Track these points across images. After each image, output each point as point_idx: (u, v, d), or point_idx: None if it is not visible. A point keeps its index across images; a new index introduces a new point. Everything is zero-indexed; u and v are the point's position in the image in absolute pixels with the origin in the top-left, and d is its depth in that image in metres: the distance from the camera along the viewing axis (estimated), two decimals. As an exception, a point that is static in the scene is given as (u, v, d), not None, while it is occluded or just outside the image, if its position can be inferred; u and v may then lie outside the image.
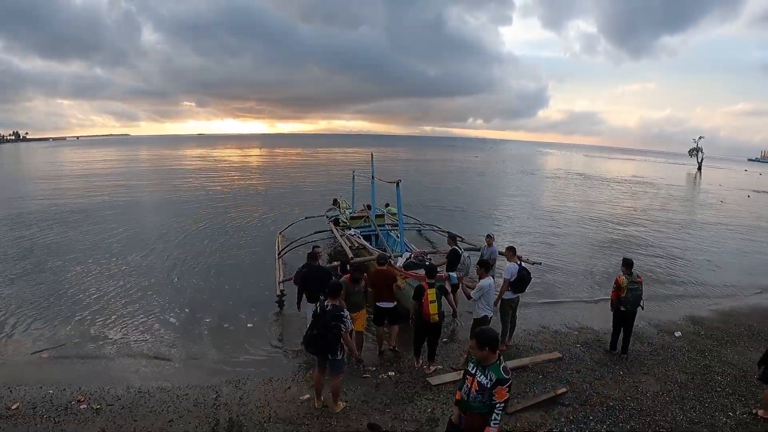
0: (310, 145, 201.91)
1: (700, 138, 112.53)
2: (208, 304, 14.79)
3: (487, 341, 5.34)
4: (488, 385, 5.28)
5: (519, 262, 11.51)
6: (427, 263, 12.41)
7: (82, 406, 8.66)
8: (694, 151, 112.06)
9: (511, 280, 11.10)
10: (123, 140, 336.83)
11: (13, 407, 8.52)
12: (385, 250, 16.09)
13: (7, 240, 22.71)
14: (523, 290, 11.54)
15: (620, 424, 8.35)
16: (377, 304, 11.18)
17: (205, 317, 13.74)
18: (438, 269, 11.46)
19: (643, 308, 11.25)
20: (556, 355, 11.18)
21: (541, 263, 17.17)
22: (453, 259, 13.62)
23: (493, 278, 10.88)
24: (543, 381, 9.90)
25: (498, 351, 5.42)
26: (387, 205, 24.01)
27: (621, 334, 11.44)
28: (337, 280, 9.16)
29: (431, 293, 9.72)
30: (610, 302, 11.31)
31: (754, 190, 65.80)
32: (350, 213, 23.16)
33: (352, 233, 18.78)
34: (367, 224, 20.93)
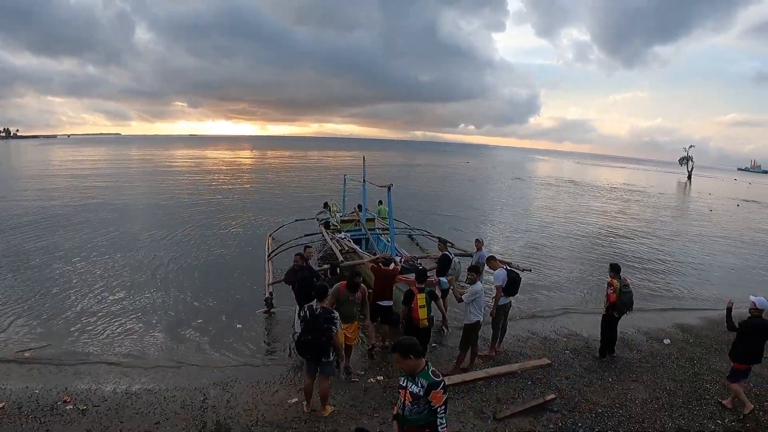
0: (302, 147, 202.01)
1: (690, 147, 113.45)
2: (196, 305, 14.76)
3: (409, 350, 5.25)
4: (421, 393, 5.16)
5: (505, 267, 11.53)
6: (417, 268, 12.41)
7: (68, 407, 8.60)
8: (685, 160, 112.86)
9: (503, 286, 11.10)
10: (114, 139, 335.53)
11: (-1, 407, 8.44)
12: (375, 255, 16.07)
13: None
14: (515, 293, 11.57)
15: (609, 431, 8.34)
16: (378, 302, 11.43)
17: (193, 318, 13.71)
18: (428, 274, 11.46)
19: (631, 310, 11.30)
20: (545, 361, 11.16)
21: (531, 270, 17.20)
22: (444, 264, 13.59)
23: (482, 283, 10.91)
24: (532, 387, 9.89)
25: (425, 357, 5.36)
26: (380, 203, 23.95)
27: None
28: (323, 283, 9.08)
29: (421, 298, 9.69)
30: (607, 305, 11.25)
31: (744, 200, 66.16)
32: (341, 216, 23.13)
33: (343, 236, 18.77)
34: (357, 228, 20.91)
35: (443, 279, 12.68)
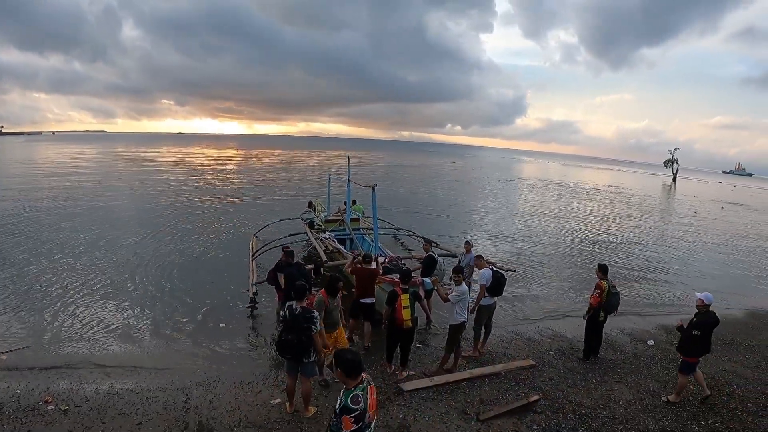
0: (288, 147, 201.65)
1: (675, 149, 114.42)
2: (179, 305, 14.66)
3: (346, 366, 5.09)
4: (337, 410, 4.99)
5: (491, 267, 11.55)
6: (401, 268, 12.40)
7: (49, 407, 8.52)
8: (670, 163, 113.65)
9: (488, 285, 11.10)
10: (100, 137, 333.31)
11: (-22, 407, 8.34)
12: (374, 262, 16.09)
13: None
14: (500, 293, 11.63)
15: (593, 433, 8.36)
16: (360, 300, 11.64)
17: (176, 318, 13.62)
18: (412, 274, 11.45)
19: (617, 311, 11.35)
20: (529, 362, 11.18)
21: (515, 270, 17.24)
22: (429, 265, 13.58)
23: (469, 285, 10.95)
24: (516, 388, 9.90)
25: (361, 377, 5.11)
26: (354, 202, 23.89)
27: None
28: (302, 282, 8.98)
29: (405, 299, 9.67)
30: (588, 307, 11.28)
31: (728, 202, 66.67)
32: (325, 216, 23.08)
33: (327, 236, 18.72)
34: (341, 228, 20.87)
35: (427, 279, 12.67)
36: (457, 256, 15.83)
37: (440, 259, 14.08)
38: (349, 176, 20.16)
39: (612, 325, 11.67)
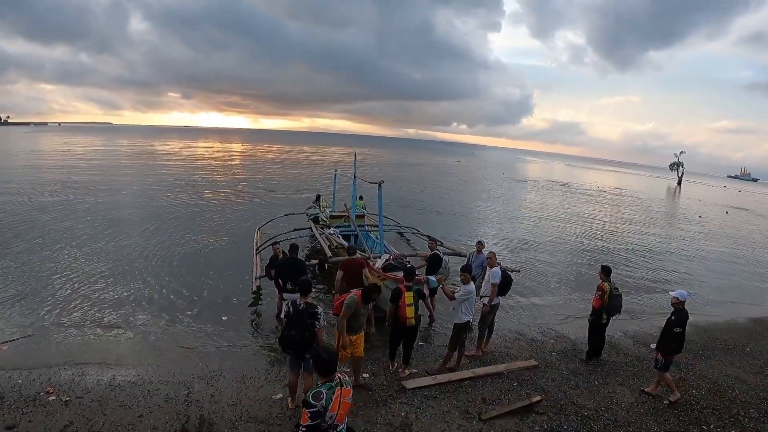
0: (294, 142, 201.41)
1: (681, 153, 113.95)
2: (182, 297, 14.65)
3: (319, 364, 5.22)
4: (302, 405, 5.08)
5: (500, 266, 11.56)
6: (406, 266, 12.40)
7: (51, 398, 8.52)
8: (675, 166, 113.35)
9: (498, 283, 11.12)
10: (106, 128, 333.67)
11: (-21, 397, 8.34)
12: (363, 251, 16.03)
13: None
14: (506, 293, 11.71)
15: (594, 435, 8.34)
16: (351, 291, 11.46)
17: (179, 311, 13.61)
18: (417, 272, 11.43)
19: (620, 314, 11.31)
20: (532, 362, 11.15)
21: (519, 271, 17.18)
22: (435, 263, 13.57)
23: (474, 281, 10.99)
24: (518, 388, 9.87)
25: (334, 376, 5.17)
26: (361, 198, 23.88)
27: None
28: (307, 278, 8.94)
29: (408, 296, 9.67)
30: (592, 309, 11.28)
31: (733, 207, 66.50)
32: (330, 212, 23.07)
33: (332, 232, 18.72)
34: (346, 224, 20.84)
35: (432, 278, 12.65)
36: (462, 256, 15.81)
37: (445, 258, 14.07)
38: (355, 172, 20.14)
39: (615, 328, 11.65)
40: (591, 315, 11.33)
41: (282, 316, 9.84)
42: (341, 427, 5.12)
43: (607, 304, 11.00)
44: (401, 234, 24.45)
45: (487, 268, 11.62)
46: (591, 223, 37.05)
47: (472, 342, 11.88)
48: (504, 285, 11.31)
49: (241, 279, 16.17)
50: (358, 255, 13.08)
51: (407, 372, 10.13)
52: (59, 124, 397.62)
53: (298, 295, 8.15)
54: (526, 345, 12.56)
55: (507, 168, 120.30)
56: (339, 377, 5.18)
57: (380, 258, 14.60)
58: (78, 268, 16.70)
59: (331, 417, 4.97)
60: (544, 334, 13.46)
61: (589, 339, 11.64)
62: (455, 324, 10.29)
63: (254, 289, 14.42)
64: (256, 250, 17.91)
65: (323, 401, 4.96)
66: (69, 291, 14.55)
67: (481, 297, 11.57)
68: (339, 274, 12.48)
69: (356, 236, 19.42)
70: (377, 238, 17.40)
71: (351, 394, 5.20)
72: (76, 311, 13.14)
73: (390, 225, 23.39)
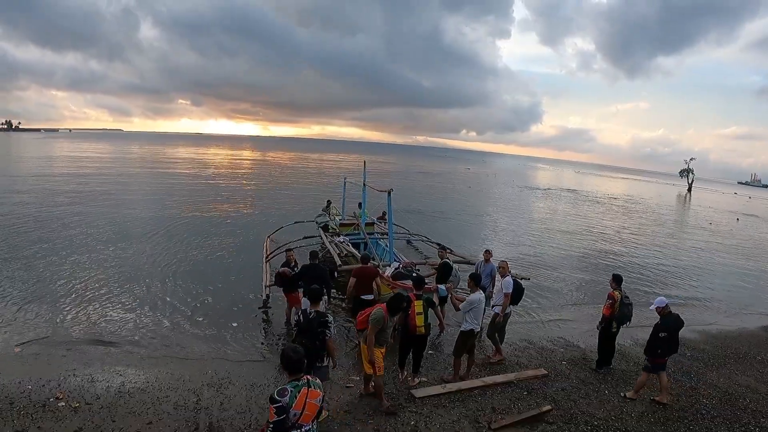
0: (304, 149, 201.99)
1: (691, 159, 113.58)
2: (192, 304, 14.73)
3: (285, 363, 5.40)
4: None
5: (511, 275, 11.58)
6: (415, 274, 12.41)
7: (60, 404, 8.53)
8: (685, 172, 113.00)
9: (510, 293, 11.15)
10: (117, 135, 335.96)
11: (-11, 402, 8.37)
12: (373, 259, 16.06)
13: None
14: (518, 302, 11.77)
15: (604, 445, 8.30)
16: (361, 296, 12.13)
17: (189, 318, 13.69)
18: (426, 281, 11.43)
19: (630, 322, 11.27)
20: (542, 371, 11.13)
21: (529, 278, 17.12)
22: (445, 271, 13.55)
23: (489, 295, 11.04)
24: (528, 397, 9.85)
25: (301, 376, 5.34)
26: (360, 206, 23.98)
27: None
28: (316, 286, 8.90)
29: (418, 305, 9.64)
30: (601, 317, 11.26)
31: (744, 214, 66.14)
32: (340, 220, 23.10)
33: (341, 240, 18.73)
34: (356, 232, 20.86)
35: (441, 286, 12.65)
36: (472, 264, 15.78)
37: (455, 266, 14.05)
38: (364, 180, 20.16)
39: (625, 336, 11.60)
40: (600, 323, 11.30)
41: (293, 324, 9.85)
42: (307, 427, 5.25)
43: (618, 313, 10.98)
44: (410, 242, 24.48)
45: (498, 276, 11.65)
46: (601, 231, 36.91)
47: (482, 351, 11.91)
48: (516, 294, 11.37)
49: (251, 286, 16.19)
50: (370, 264, 13.15)
51: (417, 381, 10.12)
52: (70, 130, 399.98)
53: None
54: (535, 354, 12.52)
55: (517, 175, 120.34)
56: (308, 378, 5.34)
57: (390, 266, 14.59)
58: (88, 273, 16.81)
59: (295, 415, 5.11)
60: (553, 343, 13.42)
61: (599, 348, 11.61)
62: (461, 332, 10.30)
63: (264, 297, 14.41)
64: (266, 258, 17.90)
65: (287, 398, 5.11)
66: (79, 296, 14.66)
67: (493, 306, 11.61)
68: (352, 281, 12.57)
69: (365, 244, 19.41)
70: (387, 246, 17.39)
71: (320, 397, 5.35)
72: (86, 317, 13.24)
73: (399, 233, 23.35)
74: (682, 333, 14.37)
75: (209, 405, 8.82)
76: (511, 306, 11.53)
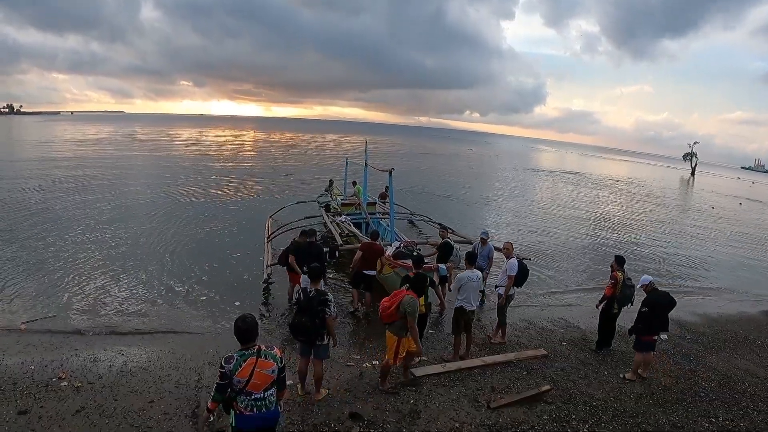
0: (306, 130, 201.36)
1: (695, 143, 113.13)
2: (194, 283, 14.82)
3: (235, 331, 5.54)
4: None
5: (515, 257, 11.57)
6: (415, 254, 12.43)
7: (63, 384, 8.56)
8: (689, 156, 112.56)
9: (515, 275, 11.20)
10: (119, 117, 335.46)
11: (-7, 383, 8.41)
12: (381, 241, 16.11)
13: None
14: (522, 284, 11.85)
15: (603, 425, 8.32)
16: (364, 271, 12.47)
17: (191, 297, 13.79)
18: (426, 260, 11.45)
19: (632, 304, 11.26)
20: (542, 352, 11.17)
21: (530, 259, 17.11)
22: (446, 251, 13.58)
23: (482, 272, 11.07)
24: (527, 377, 9.88)
25: (252, 345, 5.51)
26: (354, 184, 23.96)
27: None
28: (316, 264, 8.87)
29: (417, 284, 9.65)
30: (603, 296, 11.29)
31: (747, 198, 65.93)
32: (342, 199, 23.09)
33: (343, 220, 18.74)
34: (357, 211, 20.85)
35: (442, 266, 12.68)
36: (472, 243, 15.82)
37: (457, 246, 14.07)
38: (366, 160, 20.16)
39: (625, 318, 11.56)
40: (601, 302, 11.31)
41: (293, 302, 9.89)
42: (257, 395, 5.40)
43: (620, 294, 10.99)
44: (412, 222, 24.50)
45: (504, 258, 11.70)
46: (604, 214, 36.88)
47: (482, 331, 11.97)
48: (521, 276, 11.43)
49: (253, 266, 16.26)
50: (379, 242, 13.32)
51: (417, 360, 10.14)
52: (72, 113, 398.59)
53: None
54: (535, 334, 12.57)
55: (520, 157, 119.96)
56: (260, 348, 5.48)
57: (391, 245, 14.62)
58: (90, 254, 16.91)
59: (239, 382, 5.30)
60: (554, 324, 13.46)
61: (600, 329, 11.62)
62: (454, 309, 10.39)
63: (265, 276, 14.46)
64: (268, 237, 17.91)
65: (231, 365, 5.31)
66: (81, 276, 14.76)
67: (496, 287, 11.68)
68: (358, 254, 12.76)
69: (367, 224, 19.44)
70: (388, 226, 17.40)
71: (272, 368, 5.47)
72: (88, 296, 13.34)
73: (401, 213, 23.40)
74: (682, 316, 14.49)
75: (210, 383, 8.77)
76: (515, 288, 11.56)
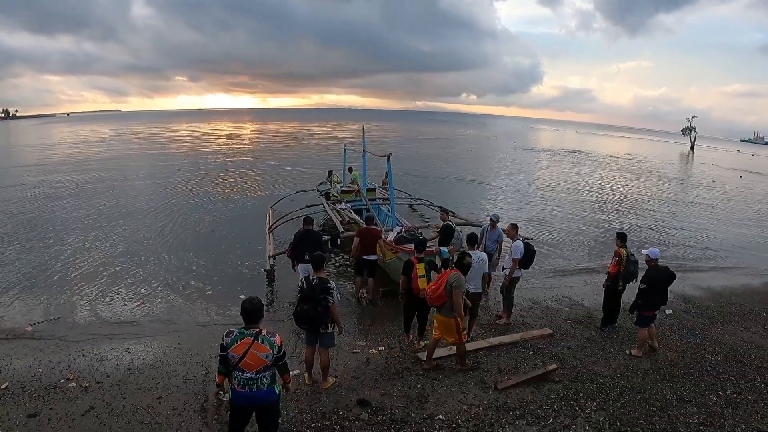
0: (303, 119, 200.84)
1: (693, 117, 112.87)
2: (198, 276, 14.88)
3: (241, 311, 6.05)
4: None
5: (520, 238, 11.53)
6: (417, 237, 12.41)
7: (71, 384, 8.55)
8: (688, 131, 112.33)
9: (520, 258, 11.19)
10: (115, 116, 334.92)
11: (2, 386, 8.38)
12: (376, 225, 16.06)
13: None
14: (529, 266, 11.81)
15: (611, 401, 8.32)
16: (363, 257, 12.53)
17: (195, 290, 13.82)
18: (428, 244, 11.44)
19: (637, 280, 11.23)
20: (547, 331, 11.17)
21: (532, 239, 17.08)
22: (447, 234, 13.53)
23: (488, 255, 11.08)
24: (533, 357, 9.88)
25: (254, 326, 5.91)
26: (351, 170, 23.93)
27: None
28: (320, 253, 8.86)
29: (420, 268, 9.64)
30: (608, 275, 11.25)
31: (747, 171, 65.83)
32: (341, 187, 23.08)
33: (343, 207, 18.75)
34: (357, 198, 20.84)
35: (444, 249, 12.66)
36: (475, 225, 15.77)
37: (458, 229, 14.03)
38: (364, 146, 20.09)
39: (630, 295, 11.53)
40: (607, 281, 11.30)
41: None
42: (249, 375, 5.68)
43: (624, 271, 10.96)
44: (412, 206, 24.49)
45: (510, 241, 11.66)
46: (604, 190, 36.93)
47: (487, 312, 11.97)
48: (527, 259, 11.37)
49: (256, 257, 16.25)
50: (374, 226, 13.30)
51: (422, 344, 10.15)
52: (68, 114, 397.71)
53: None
54: (540, 313, 12.56)
55: (518, 137, 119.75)
56: (260, 331, 5.82)
57: (392, 231, 14.59)
58: (92, 252, 16.93)
59: (233, 357, 5.66)
60: (558, 303, 13.46)
61: (605, 306, 11.60)
62: None
63: (268, 267, 14.46)
64: (269, 228, 17.91)
65: (230, 339, 5.75)
66: (84, 275, 14.80)
67: (503, 269, 11.69)
68: (355, 240, 12.76)
69: (367, 210, 19.45)
70: (389, 211, 17.39)
71: (268, 353, 5.72)
72: (92, 295, 13.36)
73: (401, 197, 23.38)
74: (687, 291, 14.49)
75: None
76: (521, 270, 11.55)
